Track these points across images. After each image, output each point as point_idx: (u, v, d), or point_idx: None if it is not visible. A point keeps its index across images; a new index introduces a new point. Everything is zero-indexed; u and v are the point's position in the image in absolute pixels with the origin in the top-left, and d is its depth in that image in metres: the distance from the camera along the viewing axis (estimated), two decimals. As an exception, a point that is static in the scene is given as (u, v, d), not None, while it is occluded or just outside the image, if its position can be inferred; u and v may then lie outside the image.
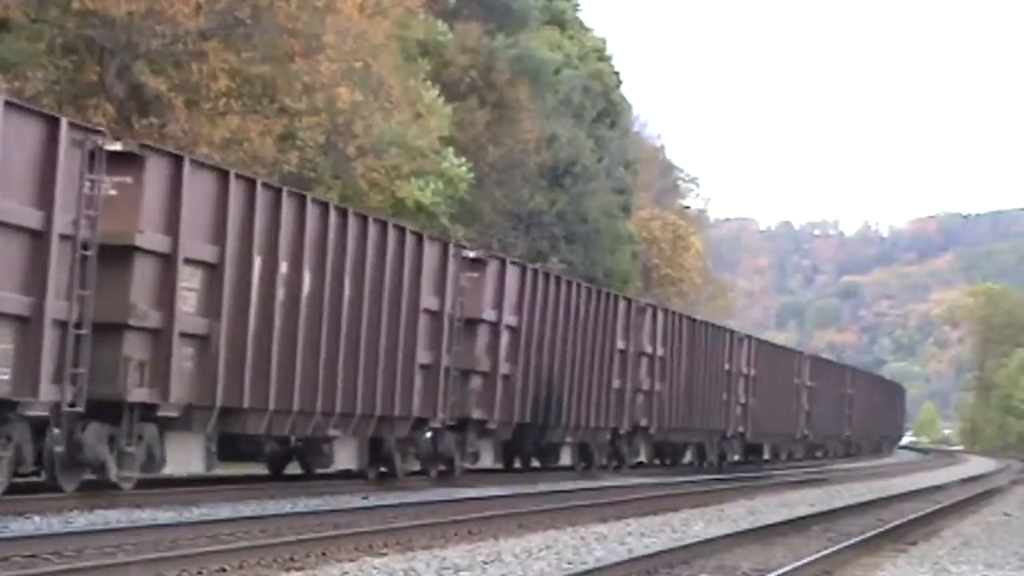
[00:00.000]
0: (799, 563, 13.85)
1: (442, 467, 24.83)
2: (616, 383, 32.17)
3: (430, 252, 23.35)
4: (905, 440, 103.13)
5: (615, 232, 56.65)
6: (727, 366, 40.87)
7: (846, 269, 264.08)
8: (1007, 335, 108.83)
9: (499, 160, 46.89)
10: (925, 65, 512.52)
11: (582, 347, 29.93)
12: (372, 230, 21.44)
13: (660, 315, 35.63)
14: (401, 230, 22.56)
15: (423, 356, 23.09)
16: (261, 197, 18.80)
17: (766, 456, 47.90)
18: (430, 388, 23.38)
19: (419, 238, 23.08)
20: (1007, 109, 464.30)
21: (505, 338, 26.36)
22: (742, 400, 42.52)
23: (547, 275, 28.82)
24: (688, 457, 39.52)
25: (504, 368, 26.34)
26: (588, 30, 64.52)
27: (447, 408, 23.90)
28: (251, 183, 18.89)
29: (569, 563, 13.39)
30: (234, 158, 28.25)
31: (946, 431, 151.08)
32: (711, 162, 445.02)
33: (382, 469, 23.02)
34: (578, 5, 63.47)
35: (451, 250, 24.16)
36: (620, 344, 32.34)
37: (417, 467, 23.98)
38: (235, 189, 18.24)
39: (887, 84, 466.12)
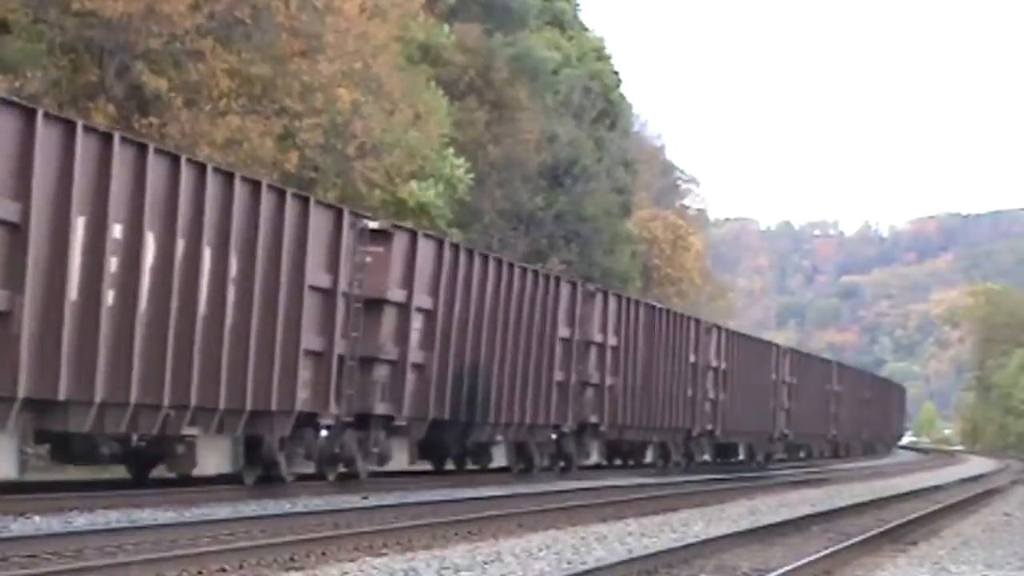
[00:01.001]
0: (799, 563, 13.84)
1: (343, 469, 21.96)
2: (559, 376, 29.01)
3: (318, 221, 19.85)
4: (905, 440, 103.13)
5: (615, 232, 56.70)
6: (692, 358, 37.81)
7: (846, 269, 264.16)
8: (1007, 335, 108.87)
9: (499, 160, 46.93)
10: (925, 65, 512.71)
11: (515, 335, 26.68)
12: (240, 189, 18.09)
13: (612, 301, 32.48)
14: (280, 192, 19.24)
15: (311, 342, 19.75)
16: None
17: (741, 456, 45.42)
18: (321, 379, 20.06)
19: (304, 202, 19.66)
20: (1007, 109, 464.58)
21: (417, 323, 23.09)
22: (711, 396, 39.69)
23: (470, 252, 25.38)
24: (650, 457, 36.66)
25: (416, 357, 23.09)
26: (588, 30, 64.61)
27: (343, 402, 20.67)
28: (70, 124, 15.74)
29: (569, 563, 13.39)
30: (234, 158, 28.27)
31: (946, 431, 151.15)
32: (711, 162, 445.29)
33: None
34: (578, 5, 63.54)
35: (346, 219, 20.60)
36: (563, 332, 29.26)
37: (310, 469, 21.24)
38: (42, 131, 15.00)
39: (887, 84, 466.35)
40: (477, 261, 25.13)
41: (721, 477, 33.97)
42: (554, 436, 29.50)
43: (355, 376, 20.72)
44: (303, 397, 19.42)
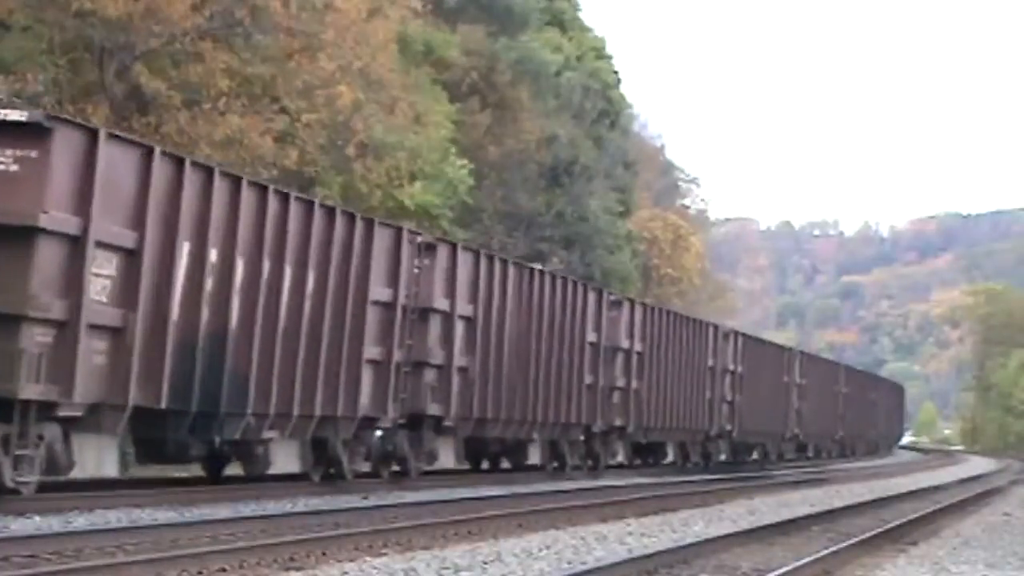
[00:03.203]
0: (799, 563, 13.85)
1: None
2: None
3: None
4: (905, 440, 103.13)
5: (615, 232, 56.69)
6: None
7: (846, 269, 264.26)
8: (1007, 335, 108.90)
9: (499, 161, 46.95)
10: (925, 65, 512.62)
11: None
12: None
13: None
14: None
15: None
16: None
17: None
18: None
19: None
20: (1007, 109, 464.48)
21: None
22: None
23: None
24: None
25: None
26: (588, 30, 64.60)
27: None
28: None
29: (569, 563, 13.39)
30: (234, 157, 28.28)
31: (946, 431, 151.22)
32: (711, 162, 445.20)
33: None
34: (578, 5, 63.54)
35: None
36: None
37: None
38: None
39: (887, 84, 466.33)
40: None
41: (723, 477, 34.01)
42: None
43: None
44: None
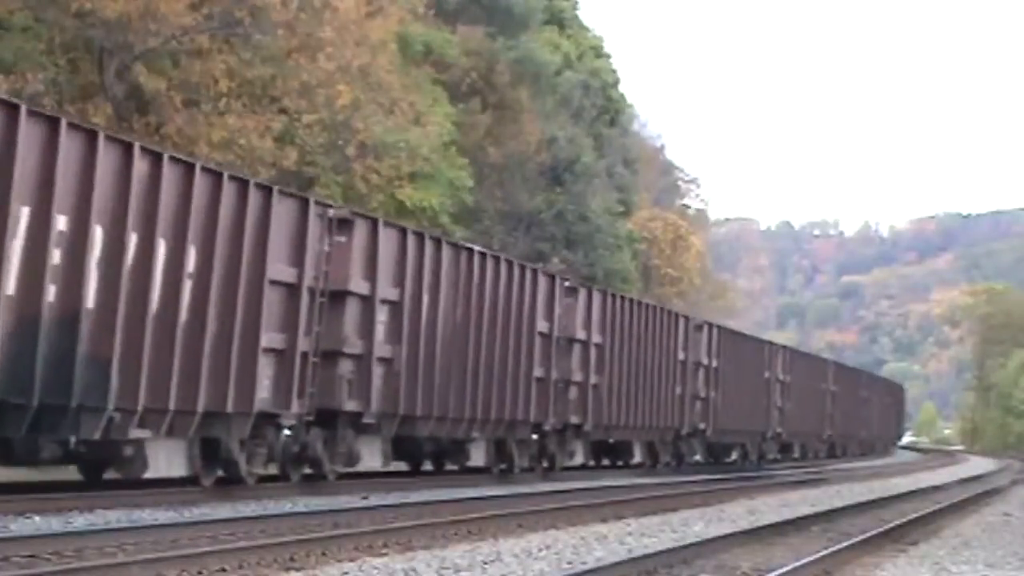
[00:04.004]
0: (799, 563, 13.83)
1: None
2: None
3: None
4: (905, 440, 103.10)
5: (615, 232, 56.73)
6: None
7: (846, 269, 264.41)
8: (1007, 335, 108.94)
9: (499, 161, 46.98)
10: (925, 65, 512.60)
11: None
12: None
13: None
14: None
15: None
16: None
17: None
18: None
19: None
20: (1007, 109, 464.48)
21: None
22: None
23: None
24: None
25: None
26: (587, 29, 64.68)
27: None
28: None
29: (569, 563, 13.39)
30: (232, 156, 28.30)
31: (946, 431, 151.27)
32: (711, 162, 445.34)
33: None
34: (576, 4, 63.59)
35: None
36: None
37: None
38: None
39: (887, 84, 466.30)
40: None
41: (716, 477, 33.83)
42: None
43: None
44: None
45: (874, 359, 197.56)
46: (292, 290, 19.19)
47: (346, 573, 11.94)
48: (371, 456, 22.64)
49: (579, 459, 31.55)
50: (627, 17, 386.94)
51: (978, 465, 60.37)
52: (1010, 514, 24.54)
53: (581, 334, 30.04)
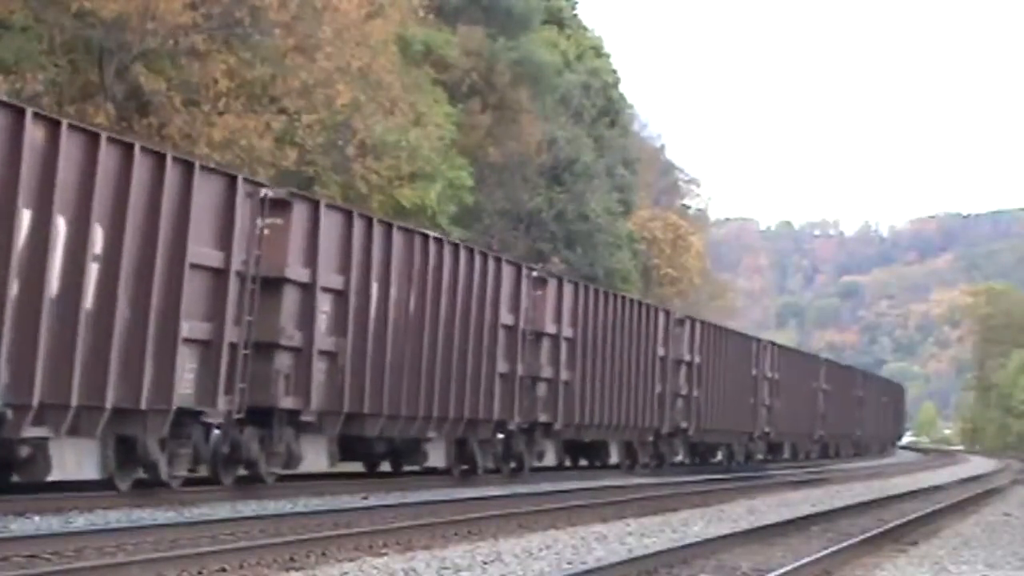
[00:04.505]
0: (799, 563, 13.83)
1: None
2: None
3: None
4: (905, 440, 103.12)
5: (615, 232, 56.76)
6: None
7: (846, 269, 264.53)
8: (1007, 335, 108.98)
9: (499, 161, 47.00)
10: (925, 65, 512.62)
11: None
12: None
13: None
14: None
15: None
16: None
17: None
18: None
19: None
20: (1007, 109, 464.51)
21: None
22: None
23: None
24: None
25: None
26: (586, 29, 64.73)
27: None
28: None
29: (569, 563, 13.38)
30: (232, 157, 28.31)
31: (946, 431, 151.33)
32: (711, 162, 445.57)
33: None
34: (576, 4, 63.64)
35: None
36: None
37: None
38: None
39: (887, 84, 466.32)
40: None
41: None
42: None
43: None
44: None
45: (874, 359, 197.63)
46: (218, 275, 17.55)
47: (346, 573, 11.94)
48: (315, 457, 21.05)
49: (550, 460, 30.04)
50: (627, 17, 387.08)
51: (978, 465, 60.36)
52: (1010, 514, 24.53)
53: (551, 328, 28.40)
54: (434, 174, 37.73)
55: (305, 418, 19.97)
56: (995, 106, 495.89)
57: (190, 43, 28.90)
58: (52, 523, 14.47)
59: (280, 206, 19.11)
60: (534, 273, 28.03)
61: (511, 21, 48.85)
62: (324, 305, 20.28)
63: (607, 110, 62.37)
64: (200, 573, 11.51)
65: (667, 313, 36.60)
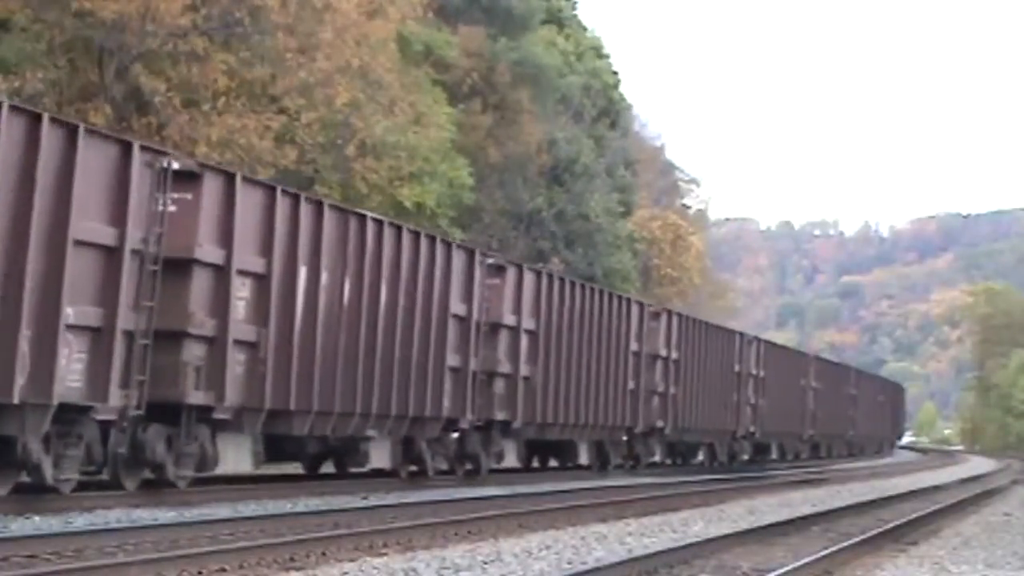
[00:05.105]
0: (799, 563, 13.83)
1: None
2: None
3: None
4: (905, 440, 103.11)
5: (615, 232, 56.74)
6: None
7: (846, 269, 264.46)
8: (1007, 335, 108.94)
9: (500, 162, 47.00)
10: (925, 65, 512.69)
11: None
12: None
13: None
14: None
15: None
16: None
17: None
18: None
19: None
20: (1007, 109, 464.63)
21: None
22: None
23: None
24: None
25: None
26: (586, 29, 64.73)
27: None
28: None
29: (569, 563, 13.39)
30: (232, 156, 28.31)
31: (946, 431, 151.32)
32: (711, 162, 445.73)
33: None
34: (575, 4, 63.64)
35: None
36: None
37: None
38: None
39: (887, 84, 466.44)
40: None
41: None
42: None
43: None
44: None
45: (874, 359, 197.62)
46: (110, 254, 15.65)
47: (346, 573, 11.94)
48: (237, 458, 19.50)
49: (511, 461, 28.49)
50: (627, 17, 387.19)
51: (978, 465, 60.35)
52: (1010, 514, 24.54)
53: (509, 319, 26.61)
54: (434, 174, 37.74)
55: (220, 415, 18.10)
56: (995, 106, 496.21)
57: (190, 45, 28.90)
58: (52, 523, 14.47)
59: (188, 179, 17.22)
60: (489, 260, 26.16)
61: (511, 21, 48.85)
62: (242, 290, 18.37)
63: (607, 111, 62.36)
64: (200, 573, 11.51)
65: (641, 305, 34.68)
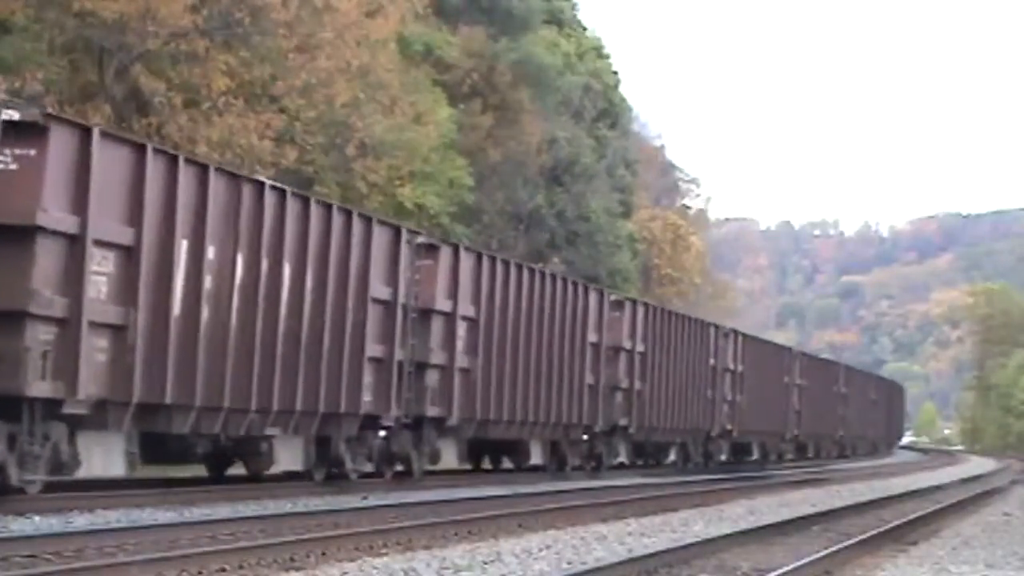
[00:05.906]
0: (799, 563, 13.83)
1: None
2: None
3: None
4: (905, 440, 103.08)
5: (615, 232, 56.77)
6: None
7: (846, 269, 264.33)
8: (1007, 335, 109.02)
9: (500, 162, 47.02)
10: (925, 65, 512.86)
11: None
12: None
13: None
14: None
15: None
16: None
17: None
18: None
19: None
20: (1007, 109, 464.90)
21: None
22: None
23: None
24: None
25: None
26: (586, 29, 64.77)
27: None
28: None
29: (569, 563, 13.39)
30: (231, 155, 28.33)
31: (946, 431, 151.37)
32: (711, 162, 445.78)
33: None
34: (575, 4, 63.67)
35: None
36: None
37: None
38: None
39: (887, 84, 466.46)
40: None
41: (722, 477, 33.74)
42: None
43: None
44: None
45: (874, 359, 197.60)
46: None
47: (346, 573, 11.94)
48: (104, 459, 16.75)
49: (450, 462, 26.65)
50: (627, 17, 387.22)
51: (978, 465, 60.35)
52: (1010, 514, 24.53)
53: (443, 305, 24.43)
54: (434, 173, 37.76)
55: (73, 409, 15.52)
56: (995, 106, 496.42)
57: (190, 46, 28.92)
58: (52, 523, 14.47)
59: (31, 132, 14.70)
60: (419, 238, 23.56)
61: (512, 22, 48.88)
62: (103, 264, 15.74)
63: (607, 111, 62.40)
64: (200, 573, 11.51)
65: (601, 293, 32.28)
